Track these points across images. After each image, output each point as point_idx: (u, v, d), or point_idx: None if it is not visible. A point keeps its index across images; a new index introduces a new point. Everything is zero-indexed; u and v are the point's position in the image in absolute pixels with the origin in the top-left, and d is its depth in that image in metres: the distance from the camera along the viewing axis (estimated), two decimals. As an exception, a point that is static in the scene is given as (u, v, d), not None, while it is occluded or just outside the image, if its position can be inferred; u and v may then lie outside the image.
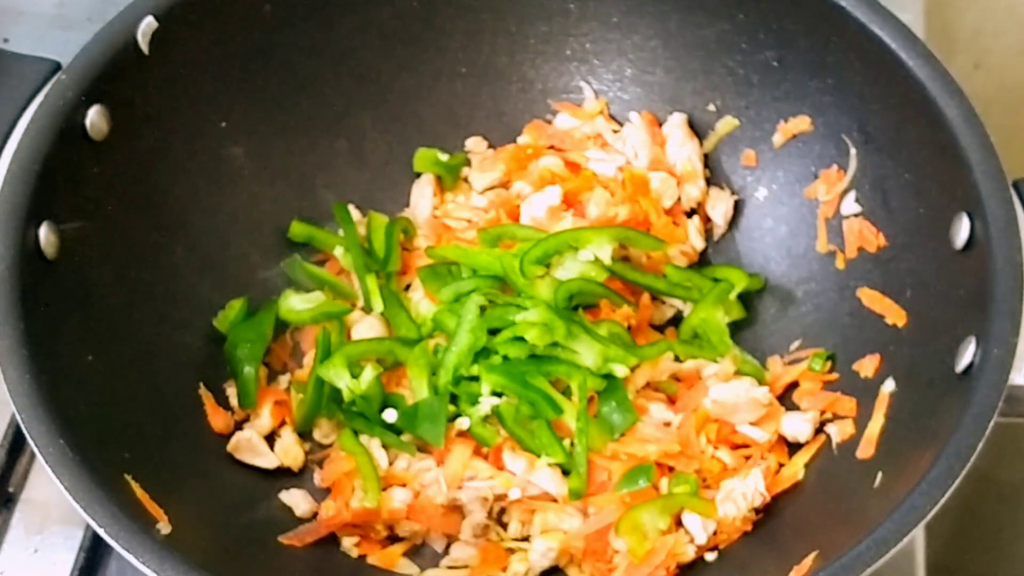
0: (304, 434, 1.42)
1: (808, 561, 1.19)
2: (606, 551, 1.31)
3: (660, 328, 1.48)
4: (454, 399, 1.38)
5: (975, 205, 1.24)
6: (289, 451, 1.38)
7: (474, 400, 1.36)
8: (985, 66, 2.07)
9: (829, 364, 1.42)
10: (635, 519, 1.30)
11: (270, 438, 1.40)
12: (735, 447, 1.38)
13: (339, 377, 1.36)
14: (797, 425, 1.37)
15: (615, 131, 1.56)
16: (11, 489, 1.37)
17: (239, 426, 1.40)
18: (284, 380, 1.43)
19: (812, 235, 1.47)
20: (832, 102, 1.43)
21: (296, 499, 1.36)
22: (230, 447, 1.37)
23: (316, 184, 1.51)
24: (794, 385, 1.43)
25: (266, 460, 1.38)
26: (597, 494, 1.33)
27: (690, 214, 1.52)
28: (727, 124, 1.53)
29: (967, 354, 1.20)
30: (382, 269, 1.47)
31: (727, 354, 1.42)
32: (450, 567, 1.34)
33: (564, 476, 1.34)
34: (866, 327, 1.39)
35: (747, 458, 1.37)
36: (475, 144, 1.58)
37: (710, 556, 1.32)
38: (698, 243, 1.52)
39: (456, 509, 1.34)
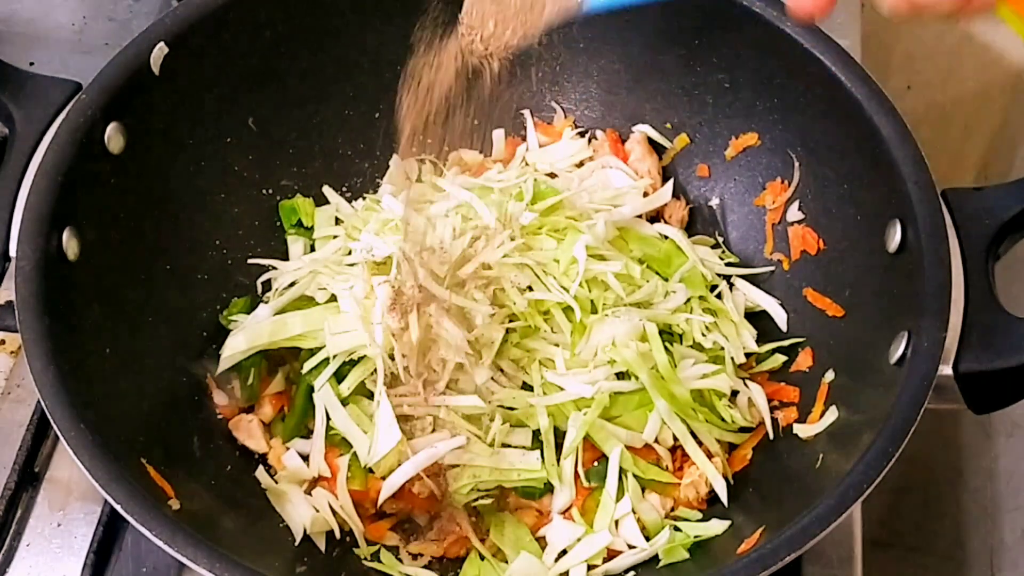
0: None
1: (756, 535, 1.20)
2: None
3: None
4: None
5: (907, 213, 1.25)
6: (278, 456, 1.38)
7: None
8: (916, 87, 2.09)
9: (776, 356, 1.42)
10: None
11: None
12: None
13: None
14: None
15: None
16: (37, 469, 1.37)
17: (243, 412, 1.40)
18: (282, 371, 1.41)
19: (761, 240, 1.48)
20: (778, 120, 1.44)
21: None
22: (231, 424, 1.38)
23: (313, 194, 1.51)
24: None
25: (256, 444, 1.38)
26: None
27: (652, 221, 1.52)
28: (680, 140, 1.53)
29: (900, 347, 1.21)
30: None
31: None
32: (431, 539, 1.34)
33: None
34: (809, 323, 1.41)
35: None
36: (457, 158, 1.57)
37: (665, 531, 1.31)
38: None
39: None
